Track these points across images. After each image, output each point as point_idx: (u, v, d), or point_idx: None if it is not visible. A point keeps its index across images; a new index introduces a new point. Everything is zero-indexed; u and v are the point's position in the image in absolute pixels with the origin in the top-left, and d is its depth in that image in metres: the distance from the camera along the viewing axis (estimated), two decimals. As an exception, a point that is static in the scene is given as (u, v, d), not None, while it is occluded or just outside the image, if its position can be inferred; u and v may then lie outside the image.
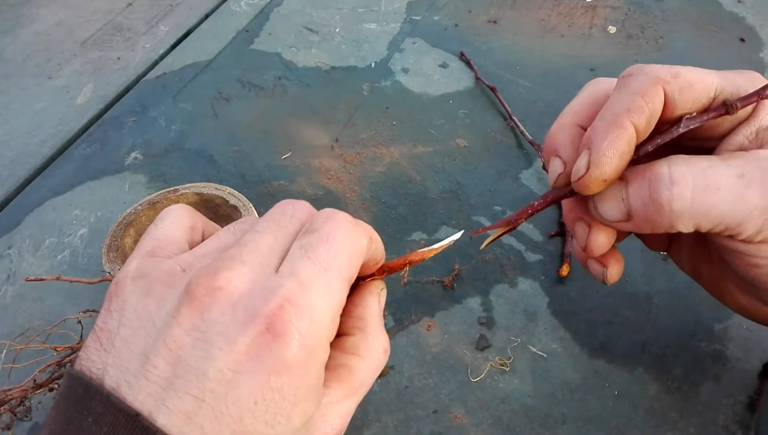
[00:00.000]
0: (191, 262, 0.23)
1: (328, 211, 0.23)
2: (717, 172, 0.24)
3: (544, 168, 0.49)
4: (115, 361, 0.20)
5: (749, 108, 0.26)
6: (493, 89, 0.57)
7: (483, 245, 0.29)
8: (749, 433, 0.33)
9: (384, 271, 0.26)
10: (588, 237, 0.29)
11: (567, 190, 0.28)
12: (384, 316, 0.40)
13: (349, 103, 0.58)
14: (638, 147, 0.26)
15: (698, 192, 0.24)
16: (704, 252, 0.30)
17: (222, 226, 0.26)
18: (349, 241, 0.23)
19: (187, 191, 0.43)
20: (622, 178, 0.26)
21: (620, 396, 0.35)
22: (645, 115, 0.25)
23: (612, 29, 0.66)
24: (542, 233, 0.45)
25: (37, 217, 0.49)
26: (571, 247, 0.43)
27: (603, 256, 0.30)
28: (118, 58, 0.66)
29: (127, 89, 0.62)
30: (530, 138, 0.51)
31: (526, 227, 0.45)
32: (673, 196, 0.24)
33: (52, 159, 0.54)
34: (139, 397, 0.19)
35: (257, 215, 0.43)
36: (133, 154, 0.54)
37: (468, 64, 0.61)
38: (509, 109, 0.55)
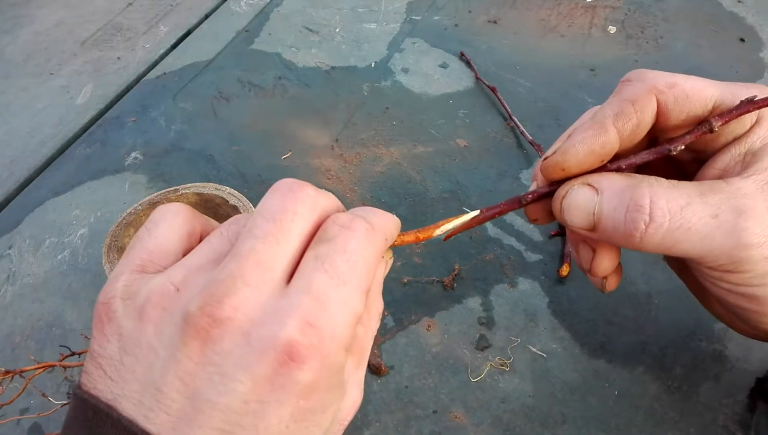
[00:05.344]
0: (185, 278, 0.21)
1: (342, 217, 0.22)
2: (693, 212, 0.24)
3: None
4: (125, 393, 0.19)
5: (747, 123, 0.25)
6: (493, 89, 0.57)
7: (445, 238, 0.28)
8: (749, 433, 0.33)
9: (393, 243, 0.25)
10: (593, 261, 0.29)
11: (543, 190, 0.27)
12: (384, 315, 0.40)
13: (349, 103, 0.58)
14: (615, 160, 0.26)
15: (671, 230, 0.24)
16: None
17: None
18: (368, 252, 0.21)
19: (187, 191, 0.43)
20: (596, 189, 0.25)
21: (620, 396, 0.35)
22: (631, 122, 0.25)
23: (612, 29, 0.66)
24: (542, 233, 0.45)
25: (37, 217, 0.49)
26: (570, 247, 0.43)
27: None
28: (118, 58, 0.66)
29: (127, 89, 0.62)
30: (530, 138, 0.51)
31: (526, 227, 0.45)
32: (647, 231, 0.24)
33: (52, 159, 0.54)
34: (164, 432, 0.19)
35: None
36: (133, 154, 0.54)
37: (468, 64, 0.61)
38: (509, 109, 0.55)
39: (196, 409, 0.19)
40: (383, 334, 0.39)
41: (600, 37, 0.65)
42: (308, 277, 0.20)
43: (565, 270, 0.41)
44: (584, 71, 0.60)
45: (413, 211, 0.47)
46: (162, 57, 0.66)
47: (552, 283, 0.41)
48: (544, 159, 0.26)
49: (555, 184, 0.27)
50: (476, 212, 0.27)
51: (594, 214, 0.25)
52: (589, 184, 0.25)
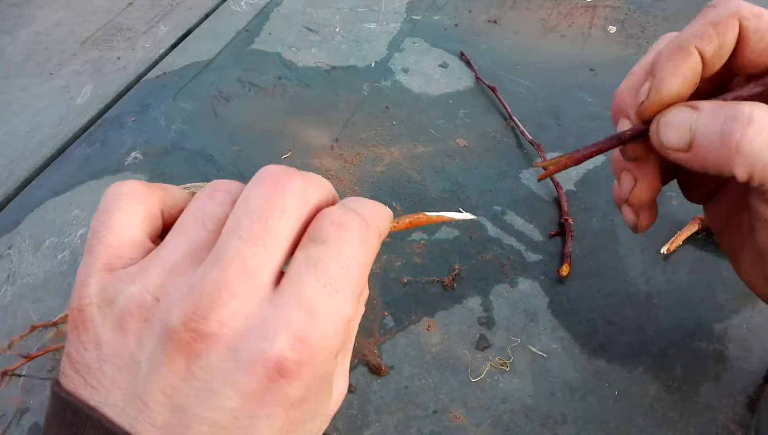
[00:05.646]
0: (163, 284, 0.20)
1: (334, 213, 0.21)
2: None
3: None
4: (108, 401, 0.19)
5: None
6: (493, 89, 0.57)
7: (540, 177, 0.29)
8: (749, 433, 0.33)
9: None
10: (632, 190, 0.29)
11: (637, 129, 0.27)
12: (384, 315, 0.40)
13: (349, 103, 0.58)
14: (718, 93, 0.26)
15: None
16: (737, 213, 0.30)
17: None
18: (363, 252, 0.20)
19: (187, 191, 0.43)
20: (695, 108, 0.25)
21: (620, 396, 0.35)
22: (713, 44, 0.24)
23: (612, 29, 0.66)
24: (542, 233, 0.45)
25: (37, 217, 0.49)
26: (571, 247, 0.43)
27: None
28: (118, 58, 0.66)
29: (127, 89, 0.62)
30: (530, 138, 0.51)
31: (526, 227, 0.45)
32: (745, 136, 0.23)
33: (52, 159, 0.54)
34: None
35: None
36: (133, 154, 0.54)
37: (468, 64, 0.61)
38: (509, 109, 0.55)
39: (183, 424, 0.18)
40: (383, 334, 0.39)
41: (600, 37, 0.65)
42: (299, 285, 0.19)
43: (565, 270, 0.41)
44: (584, 71, 0.60)
45: (413, 211, 0.47)
46: (162, 57, 0.66)
47: (552, 283, 0.41)
48: (641, 104, 0.26)
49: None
50: (468, 215, 0.27)
51: (690, 129, 0.24)
52: (689, 106, 0.25)
